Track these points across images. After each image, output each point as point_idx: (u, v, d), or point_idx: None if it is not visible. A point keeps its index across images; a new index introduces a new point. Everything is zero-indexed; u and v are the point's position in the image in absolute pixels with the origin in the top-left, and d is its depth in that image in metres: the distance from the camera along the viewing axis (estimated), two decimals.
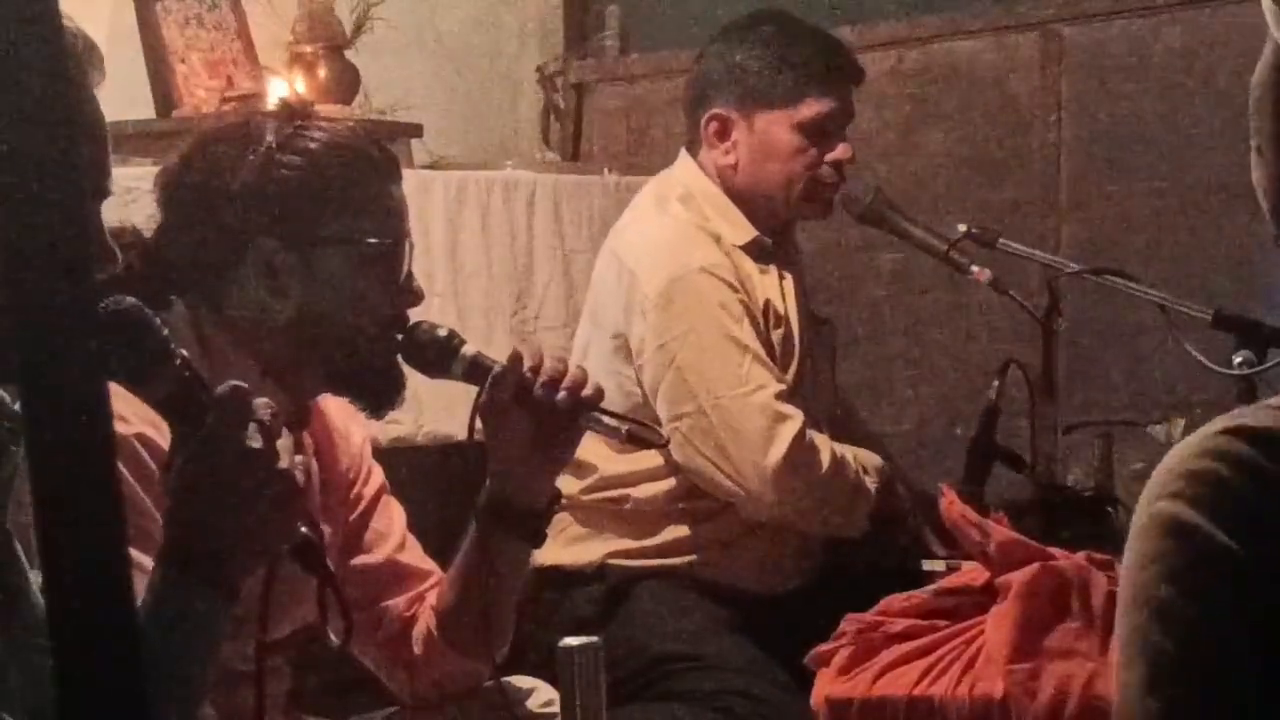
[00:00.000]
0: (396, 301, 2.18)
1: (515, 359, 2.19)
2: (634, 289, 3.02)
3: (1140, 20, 3.76)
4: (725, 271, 3.03)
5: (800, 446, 2.96)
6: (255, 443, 1.59)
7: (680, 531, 3.06)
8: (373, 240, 2.14)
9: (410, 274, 2.21)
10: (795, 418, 2.98)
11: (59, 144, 0.72)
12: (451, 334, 2.22)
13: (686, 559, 3.05)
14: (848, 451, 3.10)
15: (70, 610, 0.72)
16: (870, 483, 3.10)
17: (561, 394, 2.17)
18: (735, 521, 3.06)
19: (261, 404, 1.62)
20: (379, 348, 2.16)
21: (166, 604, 1.59)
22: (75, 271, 0.72)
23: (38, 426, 0.72)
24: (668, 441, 2.44)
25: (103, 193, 1.58)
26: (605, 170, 3.99)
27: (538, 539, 2.28)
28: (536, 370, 2.18)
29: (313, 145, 2.14)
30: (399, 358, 2.20)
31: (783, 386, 3.01)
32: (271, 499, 1.61)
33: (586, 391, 2.19)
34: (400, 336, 2.20)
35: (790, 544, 3.14)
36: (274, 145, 2.13)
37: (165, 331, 1.64)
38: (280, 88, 3.52)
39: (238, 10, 3.64)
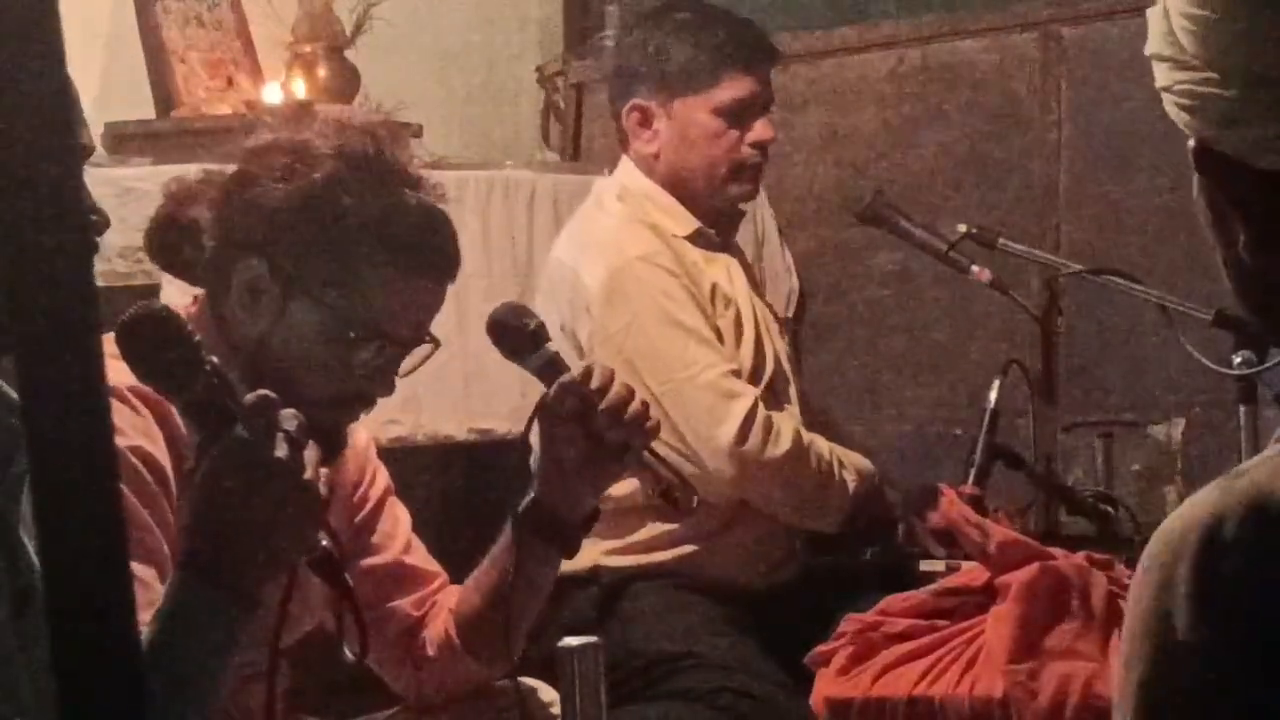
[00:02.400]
0: (363, 386, 2.10)
1: (586, 374, 2.16)
2: (576, 286, 3.04)
3: (1140, 20, 3.73)
4: (664, 259, 3.04)
5: (752, 422, 2.96)
6: (281, 452, 1.59)
7: (662, 527, 3.06)
8: (340, 326, 2.05)
9: (392, 365, 2.12)
10: (745, 395, 2.99)
11: (58, 138, 0.72)
12: (540, 328, 2.21)
13: (672, 554, 3.05)
14: (824, 444, 3.10)
15: (70, 613, 0.72)
16: (849, 477, 3.09)
17: (617, 430, 2.14)
18: (713, 513, 3.05)
19: (288, 414, 1.61)
20: (324, 412, 2.05)
21: (184, 610, 1.59)
22: (76, 267, 0.72)
23: (38, 426, 0.72)
24: (694, 508, 2.38)
25: (83, 149, 1.57)
26: (605, 170, 3.99)
27: (570, 549, 2.27)
28: (604, 390, 2.15)
29: (349, 201, 2.05)
30: (345, 427, 2.14)
31: (732, 366, 3.02)
32: (294, 510, 1.61)
33: (638, 435, 2.17)
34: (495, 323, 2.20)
35: (772, 533, 3.14)
36: (319, 182, 2.05)
37: (197, 337, 1.64)
38: (276, 90, 3.53)
39: (238, 10, 3.64)
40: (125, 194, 2.98)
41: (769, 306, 3.34)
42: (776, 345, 3.25)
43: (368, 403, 2.14)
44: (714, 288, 3.11)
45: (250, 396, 1.61)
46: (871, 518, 3.14)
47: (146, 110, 3.45)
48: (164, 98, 3.45)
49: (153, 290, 2.85)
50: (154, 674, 1.52)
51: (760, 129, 3.15)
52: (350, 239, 2.05)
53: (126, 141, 3.27)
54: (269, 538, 1.61)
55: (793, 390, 3.25)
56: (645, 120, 3.16)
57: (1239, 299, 1.21)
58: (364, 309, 2.06)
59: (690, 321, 3.01)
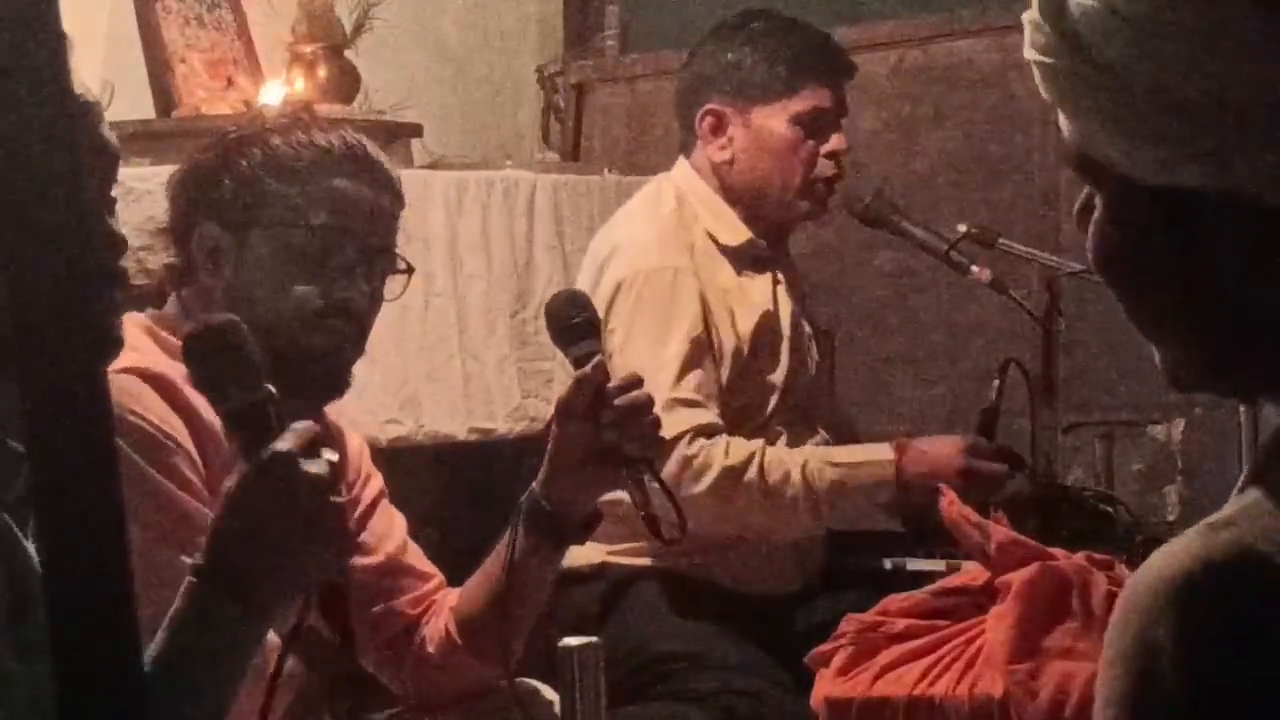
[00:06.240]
0: (336, 293, 2.18)
1: (599, 368, 2.17)
2: (599, 282, 3.04)
3: None
4: (683, 274, 3.02)
5: (691, 445, 2.91)
6: (317, 469, 1.61)
7: None
8: (300, 231, 2.17)
9: (362, 267, 2.20)
10: (681, 423, 2.92)
11: (58, 144, 0.72)
12: (587, 322, 2.23)
13: (684, 559, 3.04)
14: (788, 455, 3.00)
15: (70, 615, 0.72)
16: (820, 479, 2.98)
17: (622, 433, 2.15)
18: None
19: (325, 450, 1.64)
20: (310, 336, 2.16)
21: (204, 620, 1.59)
22: (75, 269, 0.72)
23: (39, 429, 0.72)
24: (677, 540, 2.33)
25: (112, 158, 1.59)
26: (605, 170, 3.99)
27: (563, 546, 2.27)
28: (621, 391, 2.16)
29: (276, 140, 2.19)
30: (342, 352, 2.20)
31: (690, 395, 2.96)
32: (325, 530, 1.62)
33: (640, 445, 2.17)
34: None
35: (790, 547, 3.14)
36: (238, 138, 2.19)
37: (255, 356, 1.66)
38: (275, 90, 3.52)
39: (238, 10, 3.64)
40: (125, 194, 2.98)
41: (809, 320, 3.33)
42: (811, 365, 3.25)
43: (354, 318, 2.19)
44: (749, 308, 3.07)
45: (296, 425, 1.62)
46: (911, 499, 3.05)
47: (146, 110, 3.44)
48: (164, 98, 3.45)
49: (152, 291, 2.85)
50: (167, 683, 1.53)
51: (836, 140, 3.15)
52: (272, 165, 2.17)
53: (126, 141, 3.24)
54: (297, 556, 1.62)
55: (819, 409, 3.24)
56: (719, 126, 3.14)
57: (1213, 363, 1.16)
58: (311, 208, 2.17)
59: (674, 342, 2.98)
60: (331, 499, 1.62)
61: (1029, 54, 1.12)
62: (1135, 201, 1.09)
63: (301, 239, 2.16)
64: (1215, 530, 1.03)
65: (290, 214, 2.16)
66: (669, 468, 2.87)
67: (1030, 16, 1.12)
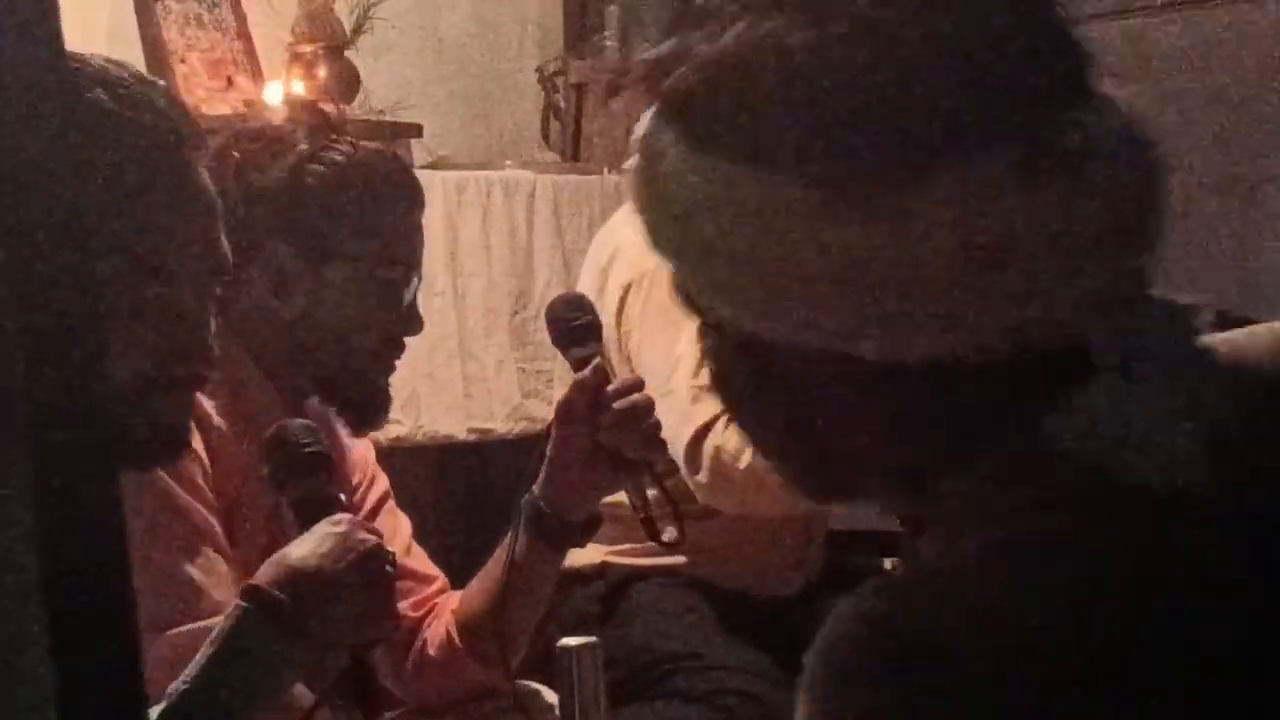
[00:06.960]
0: (396, 326, 2.21)
1: (598, 371, 2.19)
2: (604, 289, 3.04)
3: (1140, 20, 3.76)
4: None
5: (710, 430, 2.90)
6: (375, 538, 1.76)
7: (673, 533, 3.04)
8: (381, 268, 2.18)
9: (414, 301, 2.24)
10: (714, 401, 2.91)
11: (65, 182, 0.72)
12: (588, 325, 2.25)
13: (685, 560, 3.04)
14: None
15: (71, 617, 0.72)
16: None
17: (622, 436, 2.16)
18: (731, 524, 3.04)
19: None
20: (373, 366, 2.20)
21: (254, 649, 1.67)
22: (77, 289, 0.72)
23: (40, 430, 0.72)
24: (678, 542, 2.33)
25: (220, 269, 1.66)
26: (605, 170, 4.00)
27: (563, 549, 2.28)
28: (621, 394, 2.17)
29: (340, 159, 2.17)
30: (389, 380, 2.23)
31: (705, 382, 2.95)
32: (374, 594, 1.75)
33: (641, 447, 2.18)
34: (562, 317, 2.25)
35: (791, 548, 3.13)
36: (305, 153, 2.17)
37: (328, 453, 1.82)
38: (276, 90, 3.53)
39: (238, 10, 3.64)
40: None
41: None
42: None
43: (402, 345, 2.24)
44: None
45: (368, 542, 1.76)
46: None
47: None
48: None
49: None
50: (206, 703, 1.62)
51: None
52: (345, 191, 2.16)
53: None
54: (351, 608, 1.72)
55: None
56: None
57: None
58: (387, 244, 2.19)
59: (688, 339, 2.98)
60: (385, 568, 1.74)
61: (627, 197, 1.16)
62: (725, 341, 1.14)
63: (381, 277, 2.18)
64: (864, 597, 1.05)
65: (368, 249, 2.17)
66: (704, 451, 2.88)
67: (631, 165, 1.14)
